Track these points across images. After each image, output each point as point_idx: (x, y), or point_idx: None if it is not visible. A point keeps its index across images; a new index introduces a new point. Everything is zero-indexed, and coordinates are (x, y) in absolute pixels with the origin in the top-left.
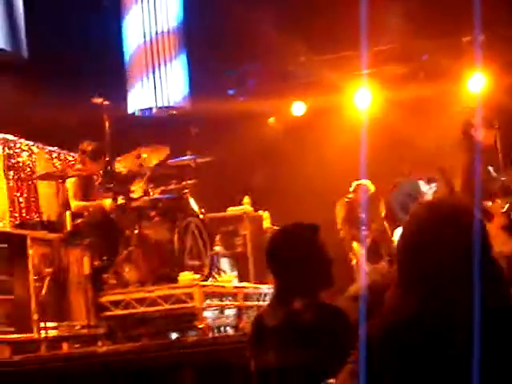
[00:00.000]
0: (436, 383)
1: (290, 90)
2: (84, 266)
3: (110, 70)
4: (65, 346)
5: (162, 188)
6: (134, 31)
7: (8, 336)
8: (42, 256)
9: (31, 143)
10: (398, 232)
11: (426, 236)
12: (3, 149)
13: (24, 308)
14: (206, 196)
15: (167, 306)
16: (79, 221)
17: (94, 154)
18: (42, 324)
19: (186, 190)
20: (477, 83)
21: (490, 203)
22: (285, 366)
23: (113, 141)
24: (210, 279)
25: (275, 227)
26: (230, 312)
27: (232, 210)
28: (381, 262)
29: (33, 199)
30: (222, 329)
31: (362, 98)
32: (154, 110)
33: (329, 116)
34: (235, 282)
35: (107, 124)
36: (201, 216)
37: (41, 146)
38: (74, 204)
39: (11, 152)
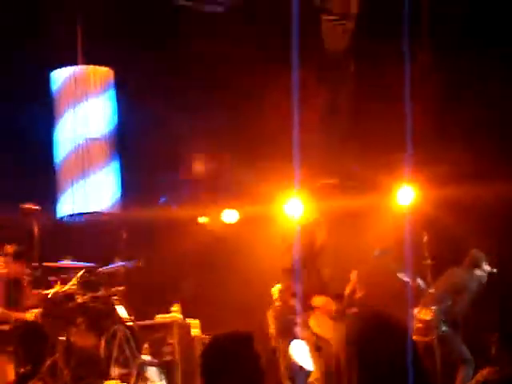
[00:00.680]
0: None
1: (222, 199)
2: (8, 373)
3: (39, 174)
4: None
5: (91, 294)
6: (66, 136)
7: None
8: None
9: None
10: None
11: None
12: None
13: None
14: (136, 303)
15: None
16: (4, 327)
17: (17, 255)
18: None
19: (115, 297)
20: (406, 196)
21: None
22: None
23: (42, 246)
24: None
25: (205, 336)
26: None
27: (161, 318)
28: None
29: None
30: None
31: (294, 208)
32: (84, 216)
33: (260, 225)
34: None
35: (36, 229)
36: (129, 323)
37: None
38: None
39: None
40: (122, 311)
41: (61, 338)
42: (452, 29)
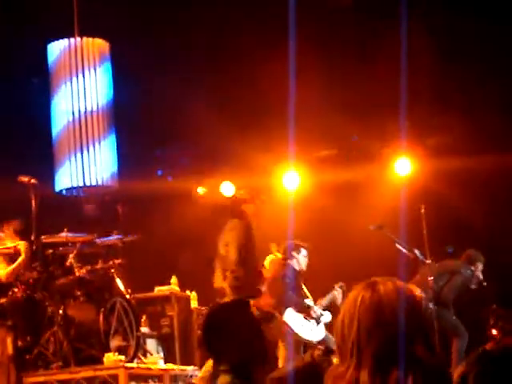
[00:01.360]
0: None
1: (219, 171)
2: (7, 346)
3: (37, 147)
4: None
5: (89, 267)
6: (62, 109)
7: None
8: None
9: None
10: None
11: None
12: None
13: None
14: (133, 276)
15: None
16: (3, 301)
17: (21, 232)
18: None
19: (113, 270)
20: (403, 167)
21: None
22: None
23: (39, 219)
24: (136, 360)
25: (203, 308)
26: None
27: (159, 290)
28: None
29: None
30: None
31: (291, 180)
32: (82, 189)
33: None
34: (161, 364)
35: (33, 203)
36: (127, 296)
37: None
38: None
39: None
40: (120, 284)
41: (59, 310)
42: None
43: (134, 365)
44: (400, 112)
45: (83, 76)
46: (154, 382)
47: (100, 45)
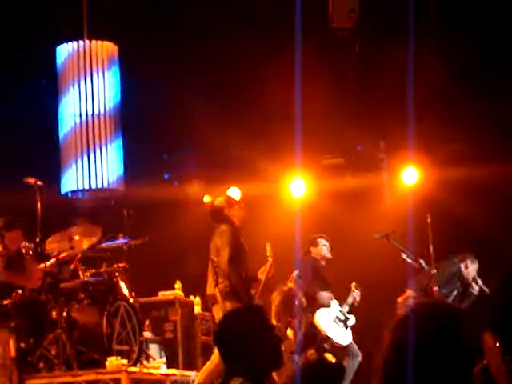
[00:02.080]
0: None
1: (226, 177)
2: (10, 348)
3: (44, 149)
4: None
5: (93, 270)
6: (70, 111)
7: None
8: None
9: None
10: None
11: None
12: None
13: None
14: (138, 280)
15: None
16: (6, 302)
17: (7, 226)
18: None
19: (117, 274)
20: (410, 176)
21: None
22: None
23: (45, 222)
24: (138, 365)
25: (206, 313)
26: None
27: (163, 295)
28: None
29: None
30: None
31: (297, 188)
32: (88, 192)
33: (264, 203)
34: (164, 369)
35: (39, 205)
36: (131, 300)
37: None
38: None
39: None
40: (124, 288)
41: (63, 313)
42: (454, 11)
43: (136, 369)
44: (408, 121)
45: (91, 79)
46: None
47: (108, 48)
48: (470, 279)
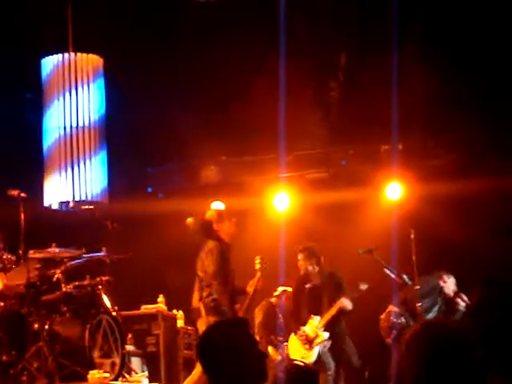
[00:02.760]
0: None
1: (209, 191)
2: None
3: (27, 161)
4: None
5: (76, 283)
6: (54, 124)
7: None
8: None
9: None
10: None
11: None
12: None
13: None
14: (120, 293)
15: None
16: None
17: None
18: None
19: (100, 287)
20: (394, 191)
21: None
22: None
23: (28, 233)
24: (120, 378)
25: (189, 327)
26: None
27: (146, 308)
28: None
29: None
30: None
31: (281, 202)
32: (71, 204)
33: (248, 217)
34: (145, 382)
35: (22, 216)
36: (113, 313)
37: None
38: None
39: None
40: (106, 301)
41: (45, 326)
42: (441, 21)
43: (118, 383)
44: (392, 137)
45: (76, 91)
46: None
47: (94, 60)
48: (452, 294)
